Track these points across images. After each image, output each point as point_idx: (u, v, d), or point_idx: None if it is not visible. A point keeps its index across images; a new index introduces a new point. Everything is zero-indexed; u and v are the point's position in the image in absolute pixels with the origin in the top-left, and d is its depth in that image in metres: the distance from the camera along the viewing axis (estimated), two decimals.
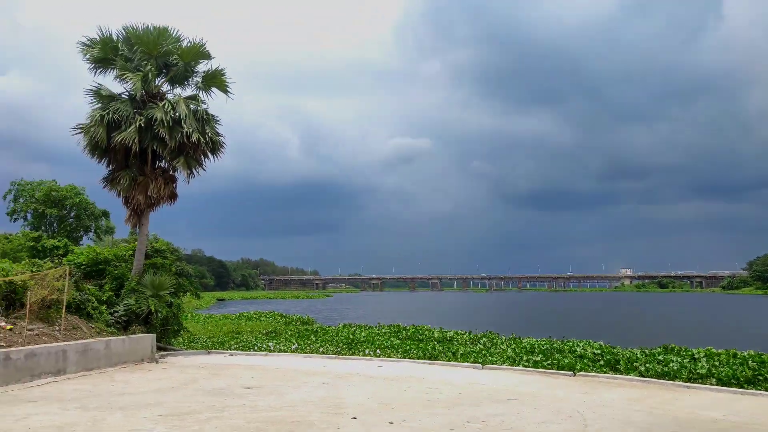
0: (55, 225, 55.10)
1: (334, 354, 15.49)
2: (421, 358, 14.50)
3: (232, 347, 17.07)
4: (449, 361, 14.14)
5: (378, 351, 15.67)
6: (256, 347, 16.93)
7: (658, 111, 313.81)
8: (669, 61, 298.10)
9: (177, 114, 16.49)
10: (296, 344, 17.17)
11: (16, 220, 54.78)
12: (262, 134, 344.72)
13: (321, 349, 16.21)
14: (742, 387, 10.37)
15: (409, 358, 14.57)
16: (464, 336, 18.35)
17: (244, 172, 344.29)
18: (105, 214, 56.35)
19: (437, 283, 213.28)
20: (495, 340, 17.32)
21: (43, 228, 53.45)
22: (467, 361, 13.80)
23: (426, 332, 19.43)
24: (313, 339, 18.38)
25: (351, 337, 18.37)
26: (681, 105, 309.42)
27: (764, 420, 7.59)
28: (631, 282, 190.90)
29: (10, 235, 47.64)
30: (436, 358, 14.46)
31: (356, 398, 8.69)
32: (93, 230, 56.42)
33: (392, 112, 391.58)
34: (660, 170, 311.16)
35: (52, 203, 54.11)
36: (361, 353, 15.55)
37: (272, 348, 16.63)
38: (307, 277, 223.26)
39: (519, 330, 21.08)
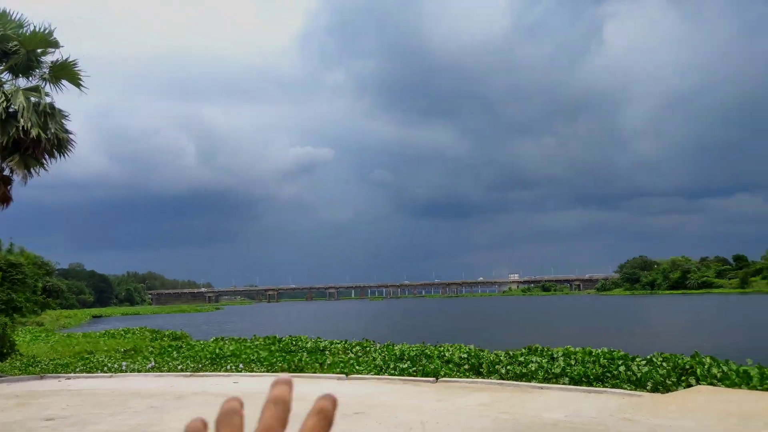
0: None
1: (193, 371, 14.30)
2: (287, 371, 13.71)
3: (78, 369, 15.28)
4: (315, 372, 13.49)
5: (241, 366, 14.65)
6: (106, 368, 15.29)
7: (545, 127, 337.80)
8: (556, 81, 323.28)
9: (13, 107, 14.68)
10: (153, 362, 15.73)
11: None
12: (156, 141, 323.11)
13: (180, 367, 14.92)
14: (591, 385, 10.59)
15: (273, 372, 13.73)
16: (338, 345, 17.73)
17: (132, 180, 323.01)
18: None
19: (334, 293, 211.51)
20: (368, 348, 16.86)
21: None
22: (333, 372, 13.21)
23: (300, 343, 18.61)
24: (175, 356, 16.92)
25: (217, 351, 17.10)
26: (565, 121, 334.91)
27: (603, 419, 7.60)
28: (518, 286, 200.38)
29: None
30: (302, 370, 13.74)
31: (177, 424, 7.71)
32: None
33: (294, 121, 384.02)
34: (547, 181, 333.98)
35: None
36: (223, 369, 14.47)
37: (124, 368, 15.07)
38: (199, 290, 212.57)
39: (398, 337, 20.77)
